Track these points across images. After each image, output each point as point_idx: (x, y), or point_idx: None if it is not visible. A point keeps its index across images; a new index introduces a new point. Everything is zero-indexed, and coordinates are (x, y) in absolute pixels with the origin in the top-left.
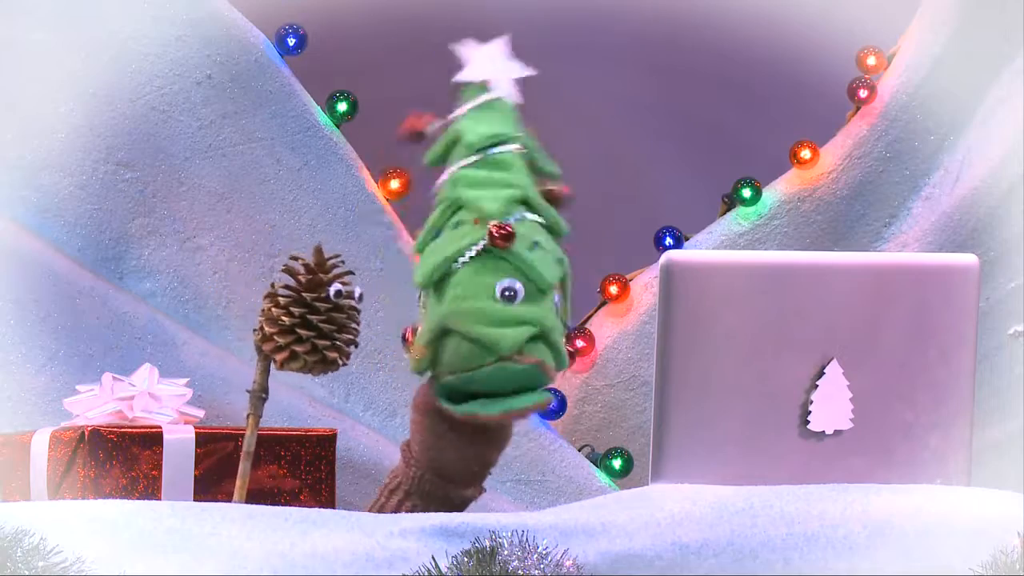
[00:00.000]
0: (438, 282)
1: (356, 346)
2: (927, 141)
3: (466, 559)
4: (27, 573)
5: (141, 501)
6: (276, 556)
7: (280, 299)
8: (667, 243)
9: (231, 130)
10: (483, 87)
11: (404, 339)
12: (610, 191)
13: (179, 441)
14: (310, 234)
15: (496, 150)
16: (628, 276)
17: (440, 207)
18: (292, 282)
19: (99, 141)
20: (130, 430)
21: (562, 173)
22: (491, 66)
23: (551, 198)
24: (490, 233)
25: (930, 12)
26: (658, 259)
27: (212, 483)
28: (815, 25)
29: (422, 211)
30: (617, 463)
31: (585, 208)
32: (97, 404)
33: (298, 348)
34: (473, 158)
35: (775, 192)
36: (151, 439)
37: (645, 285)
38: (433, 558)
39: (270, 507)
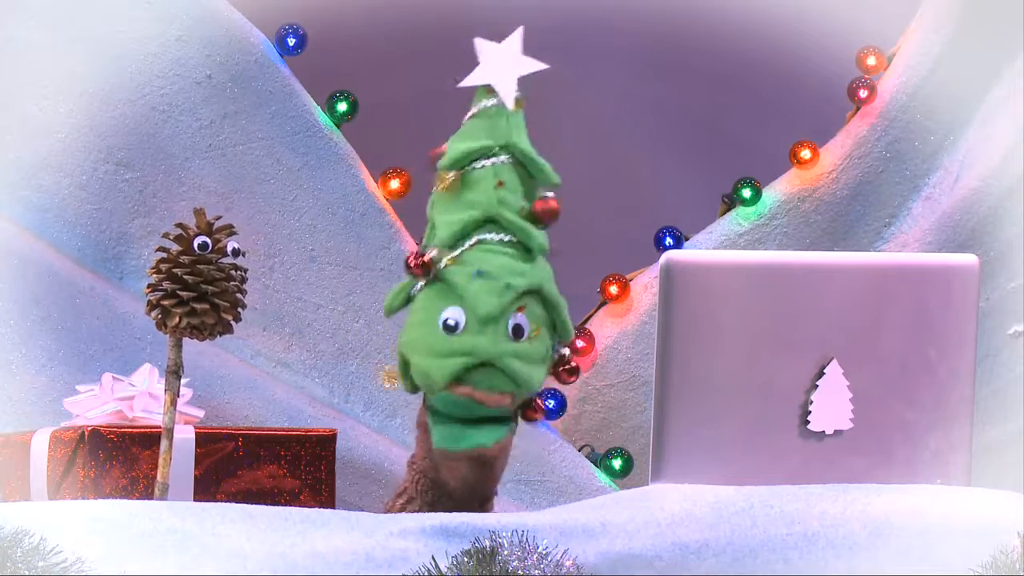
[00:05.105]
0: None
1: (241, 305)
2: (927, 141)
3: (466, 559)
4: (27, 573)
5: (141, 501)
6: (276, 556)
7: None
8: (667, 243)
9: (231, 130)
10: (486, 92)
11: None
12: (610, 191)
13: (179, 441)
14: (310, 234)
15: (473, 166)
16: (628, 276)
17: (428, 226)
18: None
19: (99, 141)
20: (130, 430)
21: (560, 179)
22: (497, 68)
23: (534, 216)
24: (405, 263)
25: (930, 12)
26: (658, 259)
27: (212, 483)
28: (815, 25)
29: (422, 211)
30: (617, 463)
31: (585, 208)
32: (97, 404)
33: (166, 303)
34: (451, 175)
35: (775, 192)
36: (151, 439)
37: (645, 285)
38: (433, 558)
39: (270, 507)
